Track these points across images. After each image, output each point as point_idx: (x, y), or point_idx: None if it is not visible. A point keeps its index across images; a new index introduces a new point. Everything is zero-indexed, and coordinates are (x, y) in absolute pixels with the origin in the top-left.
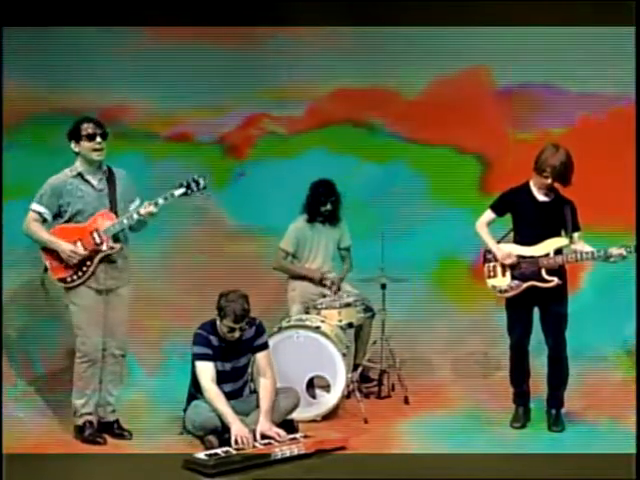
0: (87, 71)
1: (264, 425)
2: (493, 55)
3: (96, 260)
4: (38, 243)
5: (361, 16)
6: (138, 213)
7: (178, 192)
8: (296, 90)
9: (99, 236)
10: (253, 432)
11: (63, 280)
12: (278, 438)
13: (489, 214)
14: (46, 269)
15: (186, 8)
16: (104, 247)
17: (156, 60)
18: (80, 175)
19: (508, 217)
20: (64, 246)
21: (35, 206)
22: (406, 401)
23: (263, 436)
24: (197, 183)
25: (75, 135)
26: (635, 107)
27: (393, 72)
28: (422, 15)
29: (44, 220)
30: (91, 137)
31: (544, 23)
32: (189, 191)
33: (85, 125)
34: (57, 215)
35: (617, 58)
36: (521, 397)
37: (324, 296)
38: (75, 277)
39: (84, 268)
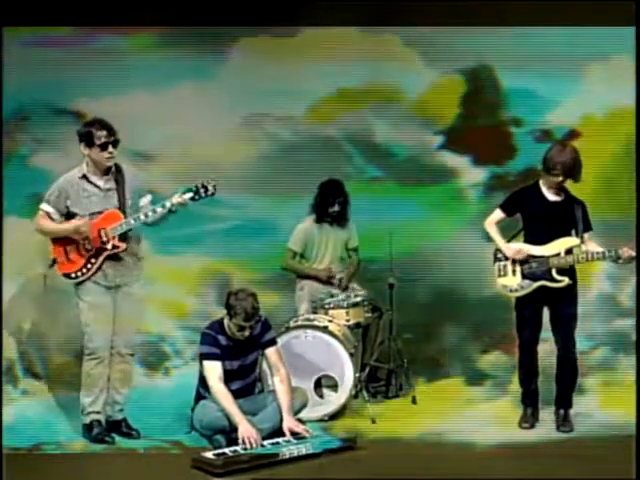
0: (87, 71)
1: (290, 422)
2: (494, 55)
3: (101, 258)
4: (49, 235)
5: (362, 16)
6: (146, 215)
7: (186, 196)
8: (297, 90)
9: (105, 235)
10: (259, 432)
11: (67, 275)
12: (307, 434)
13: (498, 213)
14: (54, 262)
15: (186, 8)
16: (108, 246)
17: (156, 60)
18: (85, 177)
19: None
20: (70, 225)
21: (44, 206)
22: (414, 401)
23: (292, 432)
24: (205, 189)
25: (87, 140)
26: (635, 107)
27: (394, 72)
28: (423, 15)
29: (52, 220)
30: (104, 146)
31: (544, 23)
32: (197, 196)
33: (99, 133)
34: (67, 215)
35: (617, 58)
36: (530, 397)
37: (332, 296)
38: (79, 273)
39: (89, 265)
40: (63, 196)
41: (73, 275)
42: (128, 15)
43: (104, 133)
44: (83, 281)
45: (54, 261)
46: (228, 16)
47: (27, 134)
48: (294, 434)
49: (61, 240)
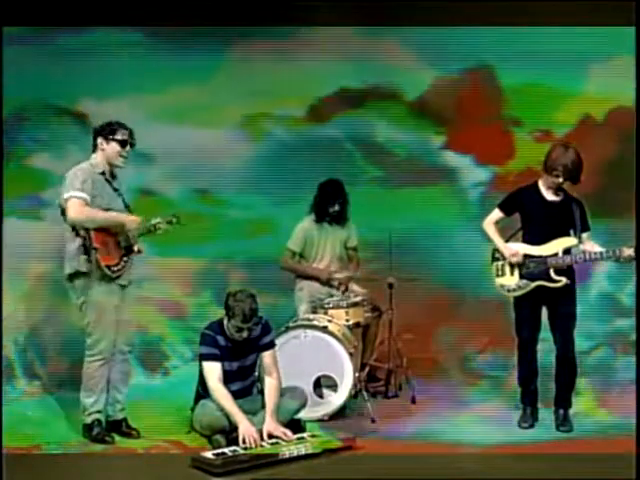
0: (88, 72)
1: (270, 425)
2: (494, 55)
3: (130, 258)
4: (97, 224)
5: (362, 16)
6: (154, 227)
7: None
8: (297, 90)
9: (132, 237)
10: (260, 432)
11: (109, 267)
12: (285, 438)
13: (497, 213)
14: (94, 250)
15: (185, 7)
16: (135, 248)
17: (156, 60)
18: (104, 173)
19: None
20: (130, 218)
21: (78, 193)
22: (413, 400)
23: (270, 436)
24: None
25: (107, 134)
26: (635, 107)
27: (394, 72)
28: (423, 15)
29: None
30: (123, 143)
31: (545, 23)
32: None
33: (121, 130)
34: None
35: (617, 58)
36: (529, 397)
37: (331, 296)
38: (119, 267)
39: (122, 262)
40: (90, 185)
41: (114, 268)
42: (129, 15)
43: (126, 132)
44: (117, 276)
45: (94, 250)
46: (228, 16)
47: (27, 134)
48: (272, 437)
49: (103, 231)
